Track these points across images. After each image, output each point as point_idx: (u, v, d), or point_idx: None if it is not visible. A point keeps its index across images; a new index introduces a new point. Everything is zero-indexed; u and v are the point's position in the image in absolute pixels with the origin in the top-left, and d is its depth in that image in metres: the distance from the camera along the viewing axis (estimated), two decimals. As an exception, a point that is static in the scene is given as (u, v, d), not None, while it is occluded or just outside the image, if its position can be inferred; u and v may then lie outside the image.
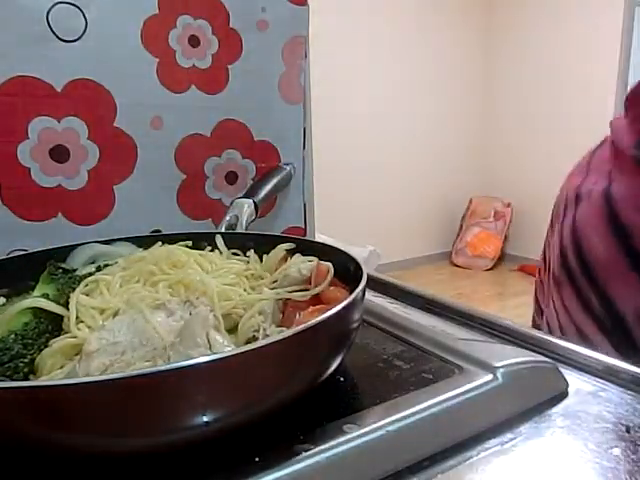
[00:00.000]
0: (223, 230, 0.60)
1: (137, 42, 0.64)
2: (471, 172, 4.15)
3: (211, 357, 0.28)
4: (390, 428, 0.31)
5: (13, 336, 0.37)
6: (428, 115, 3.86)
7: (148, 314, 0.36)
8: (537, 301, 0.71)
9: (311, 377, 0.34)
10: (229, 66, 0.70)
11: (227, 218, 0.62)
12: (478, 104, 4.06)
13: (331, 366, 0.35)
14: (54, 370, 0.35)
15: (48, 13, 0.58)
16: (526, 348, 0.44)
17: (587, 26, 3.33)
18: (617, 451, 0.32)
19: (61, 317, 0.39)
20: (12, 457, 0.29)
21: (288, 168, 0.76)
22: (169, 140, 0.68)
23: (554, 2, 3.51)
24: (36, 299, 0.40)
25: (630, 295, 0.52)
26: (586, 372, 0.42)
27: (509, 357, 0.39)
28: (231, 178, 0.74)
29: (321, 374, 0.35)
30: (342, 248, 0.46)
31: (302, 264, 0.45)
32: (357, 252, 0.47)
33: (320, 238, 0.71)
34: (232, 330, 0.39)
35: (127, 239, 0.55)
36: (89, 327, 0.37)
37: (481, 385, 0.35)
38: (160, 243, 0.52)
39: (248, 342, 0.38)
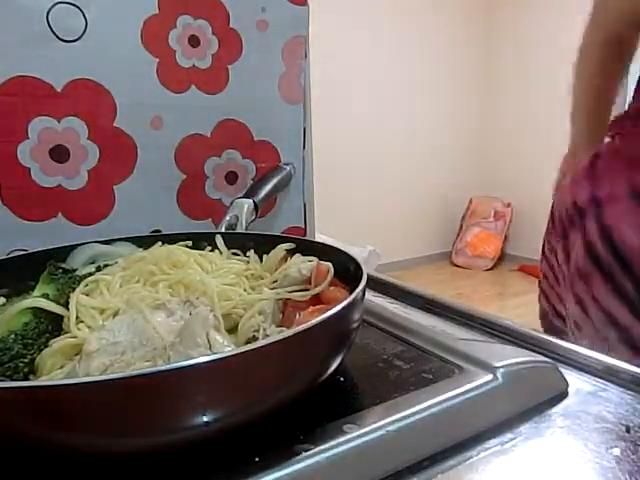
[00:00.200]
0: (223, 230, 0.60)
1: (137, 42, 0.64)
2: (471, 172, 4.15)
3: (211, 357, 0.28)
4: (390, 428, 0.31)
5: (13, 336, 0.37)
6: (428, 115, 3.86)
7: (148, 314, 0.36)
8: (550, 303, 0.75)
9: (311, 377, 0.34)
10: (229, 66, 0.70)
11: (227, 218, 0.62)
12: (478, 104, 4.06)
13: (331, 366, 0.35)
14: (54, 370, 0.35)
15: (48, 13, 0.58)
16: (526, 348, 0.44)
17: (587, 26, 3.33)
18: (617, 451, 0.32)
19: (61, 317, 0.39)
20: (12, 457, 0.29)
21: (288, 168, 0.76)
22: (169, 140, 0.68)
23: (554, 2, 3.51)
24: (36, 299, 0.40)
25: None
26: (586, 372, 0.42)
27: (509, 357, 0.39)
28: (231, 178, 0.74)
29: (321, 374, 0.35)
30: (342, 248, 0.46)
31: (302, 264, 0.45)
32: (357, 252, 0.47)
33: (320, 238, 0.71)
34: (232, 330, 0.39)
35: (127, 239, 0.55)
36: (89, 327, 0.37)
37: (481, 385, 0.35)
38: (160, 243, 0.52)
39: (248, 342, 0.38)
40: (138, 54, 0.64)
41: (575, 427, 0.34)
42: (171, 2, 0.65)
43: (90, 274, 0.45)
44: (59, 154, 0.61)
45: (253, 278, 0.47)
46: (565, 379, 0.40)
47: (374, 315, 0.50)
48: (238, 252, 0.53)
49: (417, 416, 0.32)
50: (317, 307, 0.40)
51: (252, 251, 0.52)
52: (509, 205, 3.98)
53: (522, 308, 3.09)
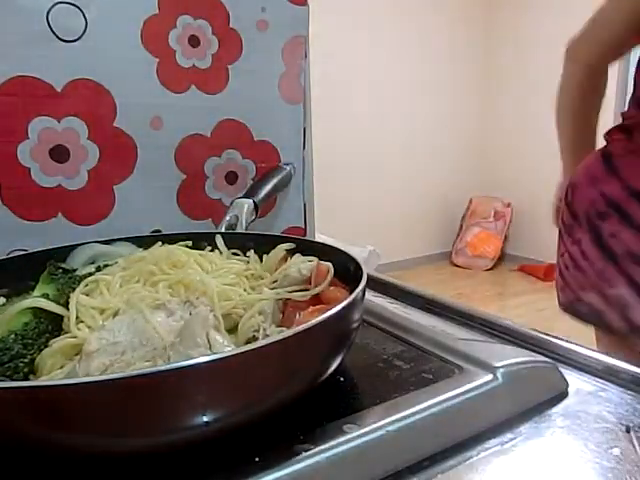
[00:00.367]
0: (223, 230, 0.60)
1: (137, 42, 0.64)
2: (471, 172, 4.15)
3: (211, 357, 0.28)
4: (390, 428, 0.31)
5: (13, 336, 0.37)
6: (428, 115, 3.86)
7: (148, 314, 0.36)
8: (573, 291, 0.81)
9: (311, 377, 0.34)
10: (229, 66, 0.70)
11: (227, 218, 0.62)
12: (478, 104, 4.06)
13: (331, 366, 0.35)
14: (54, 370, 0.35)
15: (48, 13, 0.58)
16: (526, 348, 0.44)
17: (587, 26, 3.33)
18: (617, 451, 0.32)
19: (61, 317, 0.39)
20: (12, 457, 0.29)
21: (288, 168, 0.76)
22: (169, 140, 0.68)
23: (554, 2, 3.51)
24: (36, 299, 0.40)
25: None
26: (586, 372, 0.42)
27: (509, 357, 0.39)
28: (231, 178, 0.74)
29: (321, 374, 0.35)
30: (342, 248, 0.46)
31: (302, 264, 0.45)
32: (357, 252, 0.47)
33: (320, 238, 0.71)
34: (232, 330, 0.39)
35: (127, 239, 0.55)
36: (89, 327, 0.37)
37: (481, 385, 0.35)
38: (160, 243, 0.52)
39: (248, 342, 0.38)
40: (138, 54, 0.64)
41: (575, 427, 0.34)
42: (171, 2, 0.65)
43: (90, 274, 0.45)
44: (59, 154, 0.61)
45: (253, 278, 0.47)
46: (565, 379, 0.40)
47: (374, 315, 0.50)
48: (238, 252, 0.53)
49: (417, 416, 0.32)
50: (317, 307, 0.40)
51: (252, 251, 0.52)
52: (509, 205, 3.98)
53: (522, 308, 3.09)
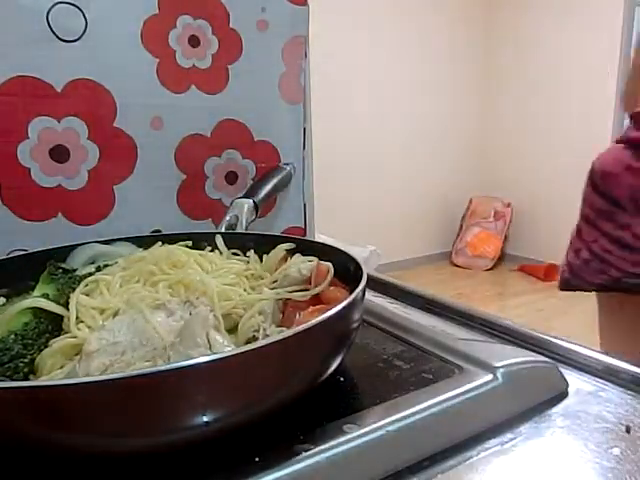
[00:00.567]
0: (223, 230, 0.60)
1: (137, 42, 0.64)
2: (471, 172, 4.15)
3: (211, 357, 0.28)
4: (390, 428, 0.31)
5: (13, 336, 0.37)
6: (428, 115, 3.86)
7: (148, 314, 0.36)
8: (622, 270, 0.88)
9: (311, 377, 0.34)
10: (229, 66, 0.70)
11: (227, 218, 0.62)
12: (478, 104, 4.06)
13: (331, 366, 0.35)
14: (54, 370, 0.35)
15: (48, 13, 0.58)
16: (526, 348, 0.44)
17: (587, 26, 3.33)
18: (617, 451, 0.32)
19: (61, 317, 0.39)
20: (12, 457, 0.29)
21: (288, 168, 0.76)
22: (169, 140, 0.68)
23: (554, 2, 3.51)
24: (36, 299, 0.40)
25: None
26: (586, 372, 0.42)
27: (509, 357, 0.39)
28: (231, 178, 0.74)
29: (321, 374, 0.35)
30: (342, 248, 0.46)
31: (302, 264, 0.45)
32: (357, 252, 0.47)
33: (320, 238, 0.71)
34: (232, 330, 0.39)
35: (127, 239, 0.55)
36: (89, 327, 0.37)
37: (481, 385, 0.35)
38: (160, 243, 0.52)
39: (248, 342, 0.38)
40: (138, 54, 0.64)
41: (575, 427, 0.34)
42: (171, 2, 0.65)
43: (90, 274, 0.45)
44: (59, 154, 0.61)
45: (253, 278, 0.47)
46: (565, 379, 0.40)
47: (374, 315, 0.50)
48: (238, 252, 0.53)
49: (417, 416, 0.32)
50: (317, 307, 0.40)
51: (252, 251, 0.52)
52: (509, 205, 3.98)
53: (522, 308, 3.09)
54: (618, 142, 0.90)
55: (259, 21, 0.71)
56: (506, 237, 4.00)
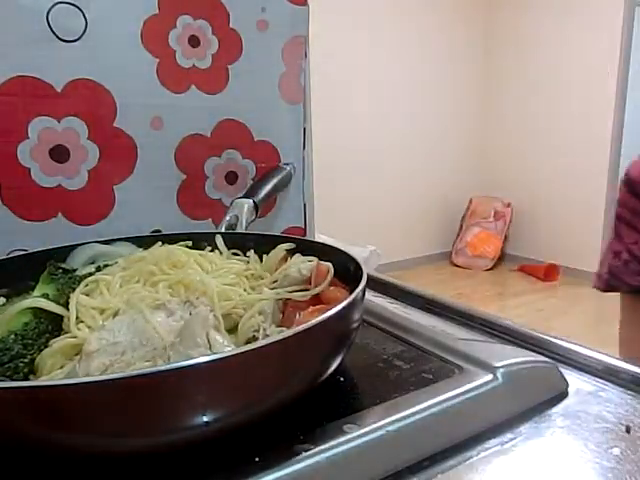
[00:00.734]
0: (223, 230, 0.60)
1: (137, 42, 0.64)
2: (471, 172, 4.15)
3: (211, 357, 0.28)
4: (390, 428, 0.31)
5: (13, 336, 0.37)
6: (428, 115, 3.86)
7: (148, 314, 0.36)
8: None
9: (311, 377, 0.34)
10: (229, 66, 0.70)
11: (227, 218, 0.62)
12: (478, 104, 4.06)
13: (331, 366, 0.35)
14: (54, 370, 0.35)
15: (48, 13, 0.58)
16: (526, 348, 0.44)
17: (587, 26, 3.33)
18: (617, 451, 0.32)
19: (61, 317, 0.39)
20: (12, 457, 0.29)
21: (288, 168, 0.76)
22: (169, 140, 0.68)
23: (554, 2, 3.51)
24: (36, 299, 0.40)
25: None
26: (586, 372, 0.42)
27: (509, 357, 0.39)
28: (231, 178, 0.74)
29: (321, 374, 0.35)
30: (342, 248, 0.46)
31: (302, 264, 0.45)
32: (357, 252, 0.47)
33: (320, 238, 0.71)
34: (232, 330, 0.39)
35: (127, 239, 0.55)
36: (89, 327, 0.37)
37: (481, 385, 0.35)
38: (160, 243, 0.52)
39: (248, 342, 0.38)
40: (138, 54, 0.64)
41: (575, 427, 0.34)
42: (171, 2, 0.65)
43: (90, 274, 0.45)
44: (59, 154, 0.61)
45: (253, 278, 0.47)
46: (565, 379, 0.40)
47: (374, 315, 0.50)
48: (238, 252, 0.53)
49: (417, 416, 0.32)
50: (317, 307, 0.40)
51: (252, 251, 0.52)
52: (509, 205, 3.98)
53: (522, 308, 3.09)
54: None
55: (259, 21, 0.71)
56: (506, 237, 4.00)
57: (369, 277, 0.40)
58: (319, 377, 0.35)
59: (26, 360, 0.36)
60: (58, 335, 0.38)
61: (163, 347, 0.34)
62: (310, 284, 0.43)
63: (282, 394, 0.32)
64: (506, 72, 3.91)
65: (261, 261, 0.50)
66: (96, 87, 0.62)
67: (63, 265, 0.48)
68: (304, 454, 0.29)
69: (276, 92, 0.74)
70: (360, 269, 0.41)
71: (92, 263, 0.50)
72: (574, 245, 3.55)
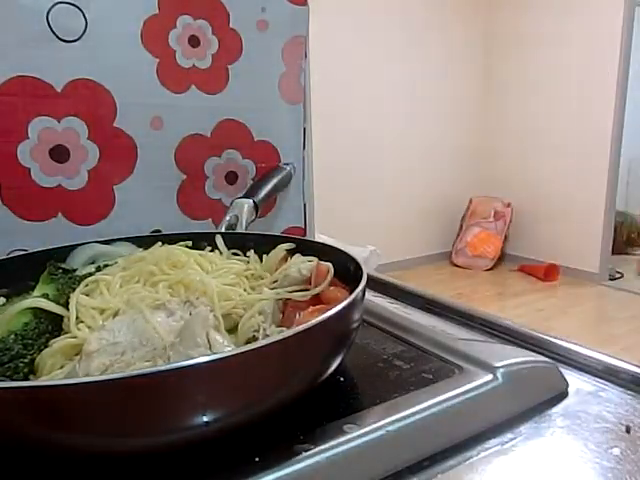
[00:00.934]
0: (223, 230, 0.60)
1: (137, 42, 0.64)
2: (471, 172, 4.15)
3: (211, 357, 0.28)
4: (390, 428, 0.31)
5: (13, 336, 0.37)
6: (428, 115, 3.86)
7: (148, 314, 0.36)
8: None
9: (311, 377, 0.34)
10: (229, 66, 0.70)
11: (227, 218, 0.62)
12: (478, 104, 4.06)
13: (331, 366, 0.35)
14: (54, 370, 0.35)
15: (48, 13, 0.58)
16: (526, 348, 0.44)
17: (587, 26, 3.33)
18: (617, 451, 0.32)
19: (61, 317, 0.39)
20: (12, 457, 0.29)
21: (288, 168, 0.76)
22: (169, 140, 0.68)
23: (554, 2, 3.50)
24: (36, 299, 0.40)
25: None
26: (586, 372, 0.42)
27: (509, 357, 0.39)
28: (231, 178, 0.74)
29: (321, 374, 0.35)
30: (342, 248, 0.46)
31: (302, 264, 0.45)
32: (357, 252, 0.47)
33: (320, 238, 0.71)
34: (232, 330, 0.39)
35: (127, 239, 0.55)
36: (89, 327, 0.37)
37: (481, 385, 0.35)
38: (160, 243, 0.52)
39: (248, 342, 0.38)
40: (138, 54, 0.64)
41: (575, 427, 0.34)
42: (171, 2, 0.65)
43: (90, 274, 0.45)
44: (59, 154, 0.61)
45: (253, 278, 0.47)
46: (565, 379, 0.40)
47: (374, 315, 0.50)
48: (238, 252, 0.53)
49: (417, 416, 0.32)
50: (317, 307, 0.40)
51: (252, 251, 0.52)
52: (509, 205, 3.98)
53: (522, 308, 3.09)
54: None
55: (259, 21, 0.71)
56: (506, 237, 4.00)
57: (369, 277, 0.40)
58: (319, 377, 0.35)
59: (26, 360, 0.36)
60: (58, 335, 0.38)
61: (163, 347, 0.34)
62: (310, 284, 0.43)
63: (282, 394, 0.32)
64: (506, 72, 3.91)
65: (261, 261, 0.50)
66: (96, 87, 0.62)
67: (63, 265, 0.48)
68: (304, 454, 0.29)
69: (276, 92, 0.74)
70: (360, 269, 0.41)
71: (92, 263, 0.50)
72: (574, 245, 3.55)
